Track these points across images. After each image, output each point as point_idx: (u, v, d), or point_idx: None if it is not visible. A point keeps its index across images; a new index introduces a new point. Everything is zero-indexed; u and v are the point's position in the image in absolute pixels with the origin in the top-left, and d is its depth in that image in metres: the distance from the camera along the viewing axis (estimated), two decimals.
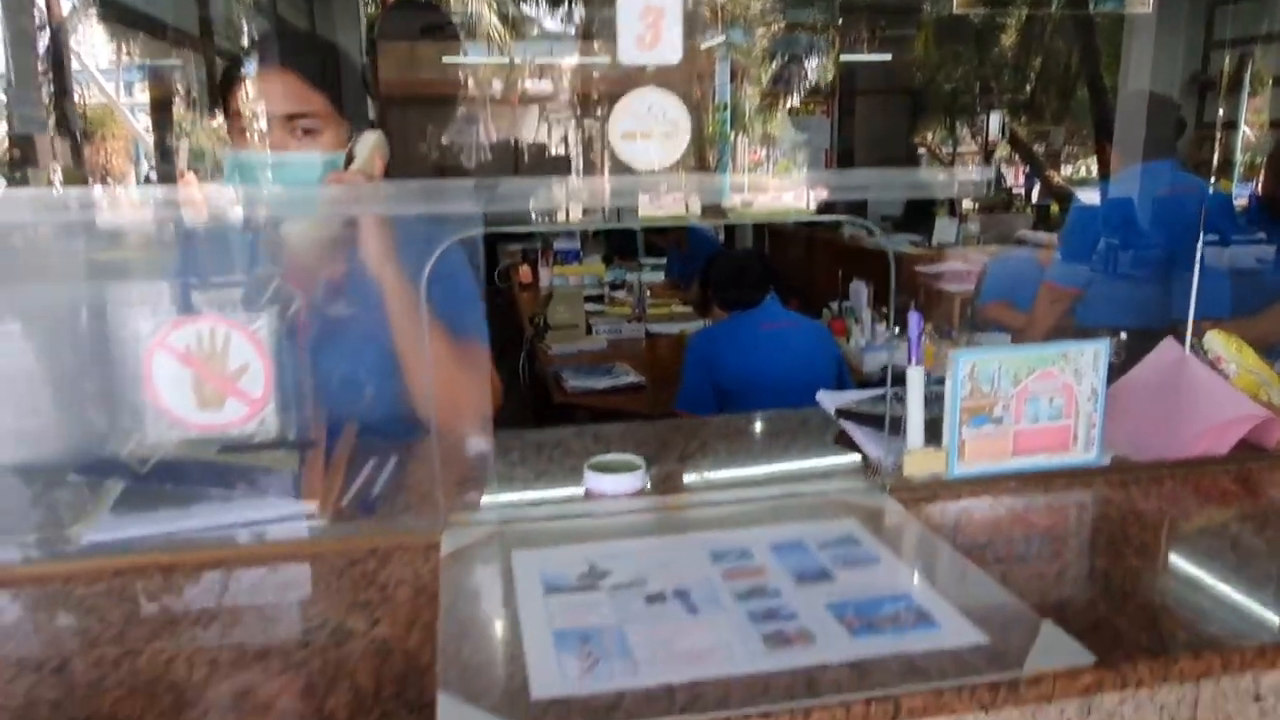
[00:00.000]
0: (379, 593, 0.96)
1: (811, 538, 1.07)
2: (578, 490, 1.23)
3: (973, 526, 1.11)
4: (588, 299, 4.55)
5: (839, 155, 8.08)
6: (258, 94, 1.24)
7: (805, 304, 4.86)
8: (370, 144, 1.29)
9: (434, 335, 1.25)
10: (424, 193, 1.08)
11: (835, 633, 0.86)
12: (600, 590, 0.95)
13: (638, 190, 1.16)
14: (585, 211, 1.30)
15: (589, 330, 4.00)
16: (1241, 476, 1.24)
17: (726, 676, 0.79)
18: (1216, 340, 1.35)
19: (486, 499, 1.18)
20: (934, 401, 1.23)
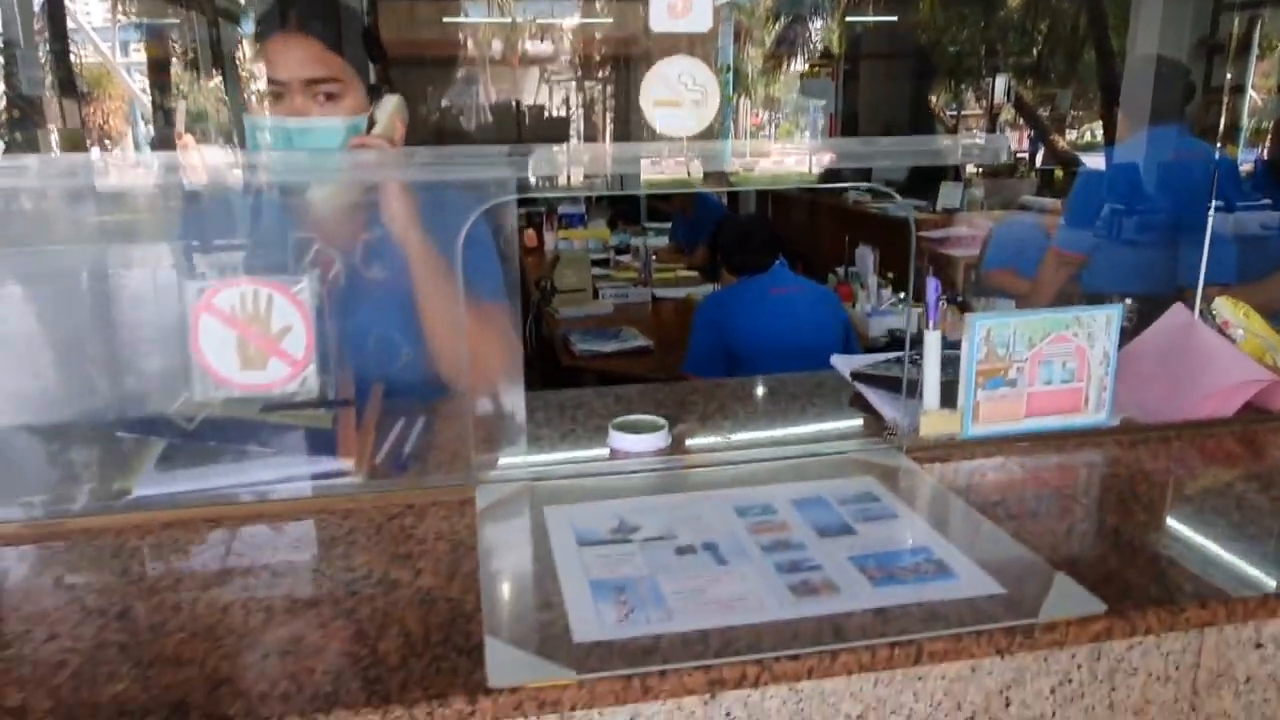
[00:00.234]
0: (419, 545, 1.00)
1: (831, 494, 1.11)
2: (602, 449, 1.27)
3: (987, 485, 1.15)
4: (593, 263, 4.57)
5: (843, 119, 8.04)
6: (278, 58, 1.25)
7: (809, 269, 4.88)
8: (391, 108, 1.31)
9: (456, 295, 1.28)
10: (458, 158, 1.10)
11: (858, 583, 0.91)
12: (632, 543, 0.99)
13: (640, 155, 1.18)
14: (587, 176, 1.32)
15: (596, 294, 4.02)
16: (1247, 438, 1.28)
17: (757, 623, 0.84)
18: (1224, 305, 1.39)
19: (516, 457, 1.22)
20: (946, 365, 1.27)
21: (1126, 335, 1.35)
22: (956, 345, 1.25)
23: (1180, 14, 3.94)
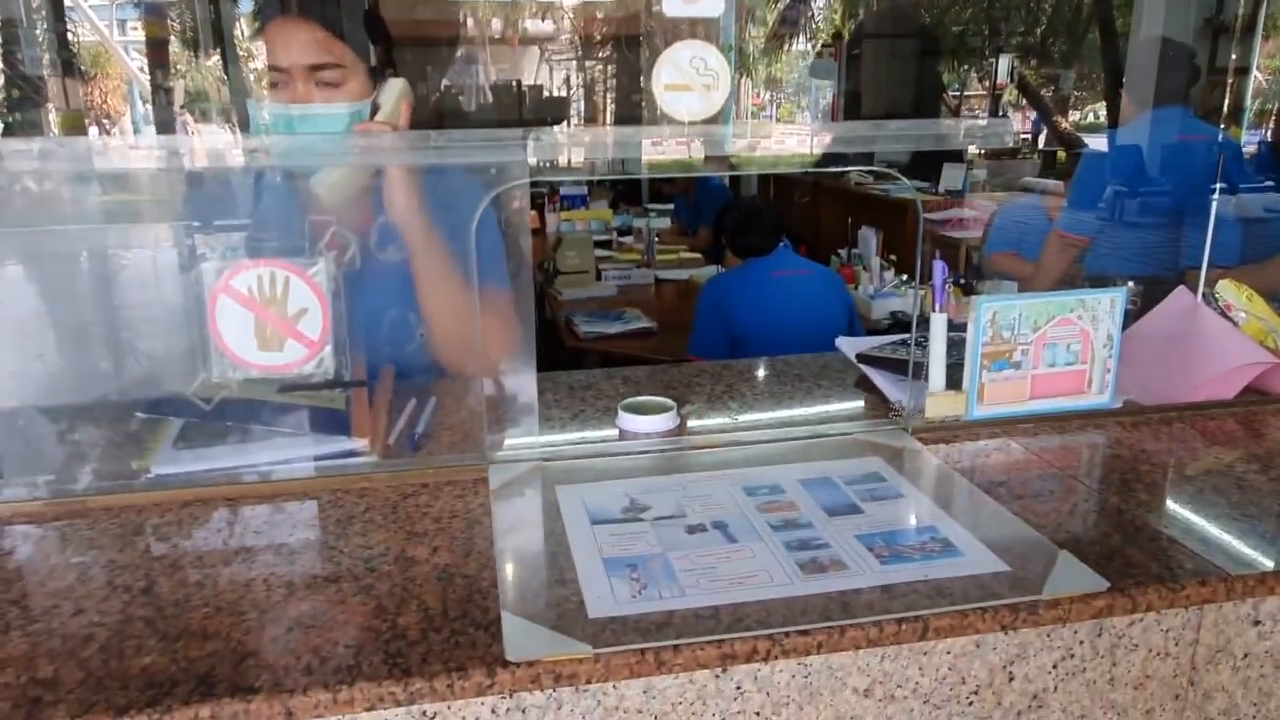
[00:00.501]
0: (434, 524, 1.02)
1: (839, 474, 1.13)
2: (612, 430, 1.29)
3: (991, 465, 1.17)
4: (595, 244, 4.58)
5: (846, 99, 8.01)
6: (278, 44, 1.25)
7: (812, 251, 4.89)
8: (396, 92, 1.31)
9: (459, 278, 1.29)
10: (472, 141, 1.11)
11: (865, 560, 0.92)
12: (643, 521, 1.01)
13: (642, 137, 1.19)
14: (589, 158, 1.33)
15: (599, 276, 4.03)
16: (1247, 419, 1.30)
17: (767, 599, 0.86)
18: (1227, 288, 1.40)
19: (527, 437, 1.23)
20: (951, 347, 1.28)
21: (1130, 318, 1.36)
22: (960, 328, 1.26)
23: None
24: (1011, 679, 0.90)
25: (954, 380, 1.27)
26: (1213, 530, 0.99)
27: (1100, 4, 7.43)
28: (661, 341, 3.23)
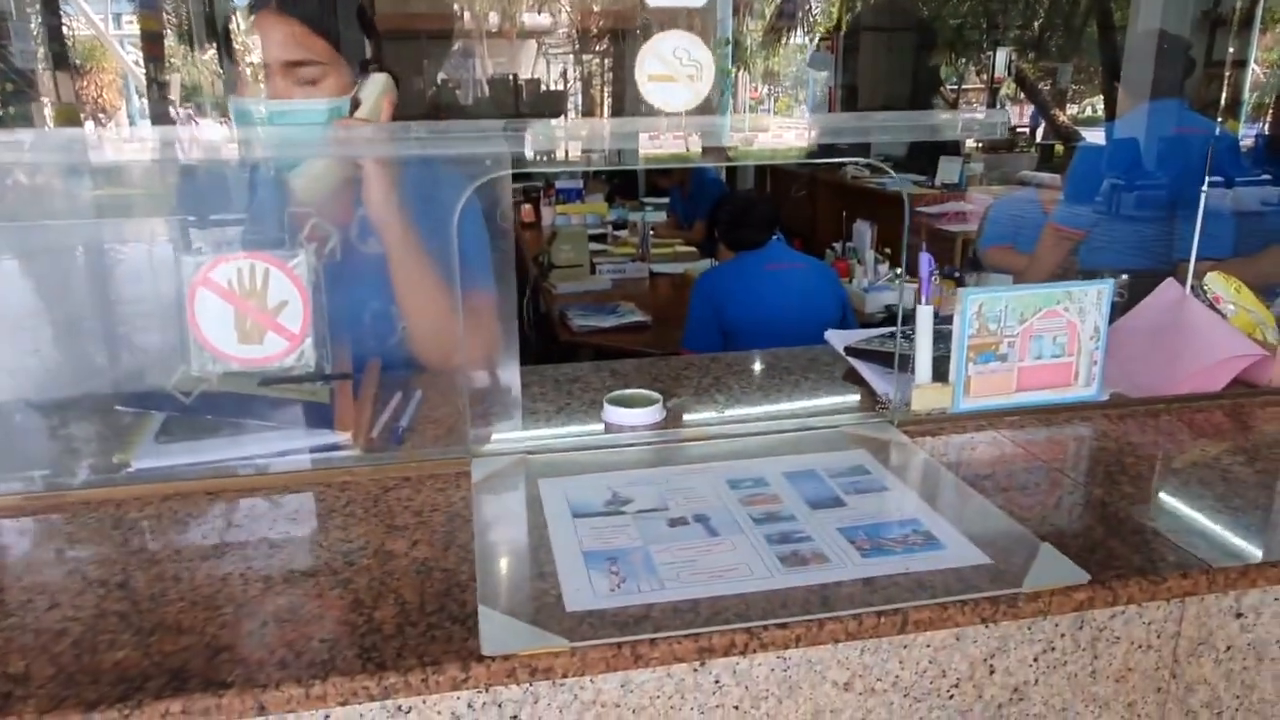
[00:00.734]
0: (415, 517, 1.01)
1: (823, 467, 1.12)
2: (597, 423, 1.28)
3: (976, 458, 1.17)
4: (591, 238, 4.57)
5: (843, 92, 7.99)
6: (258, 40, 1.24)
7: (808, 244, 4.88)
8: (377, 88, 1.30)
9: (436, 275, 1.28)
10: (452, 134, 1.10)
11: (847, 553, 0.92)
12: (625, 515, 1.01)
13: (638, 130, 1.18)
14: (585, 151, 1.32)
15: (593, 270, 4.02)
16: (1234, 412, 1.29)
17: (747, 593, 0.85)
18: (1216, 280, 1.39)
19: (511, 431, 1.23)
20: (939, 340, 1.28)
21: (1118, 311, 1.36)
22: (948, 320, 1.26)
23: None
24: (992, 672, 0.89)
25: (941, 373, 1.27)
26: (1196, 522, 0.98)
27: None
28: (656, 335, 3.22)
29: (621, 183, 6.41)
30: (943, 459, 1.15)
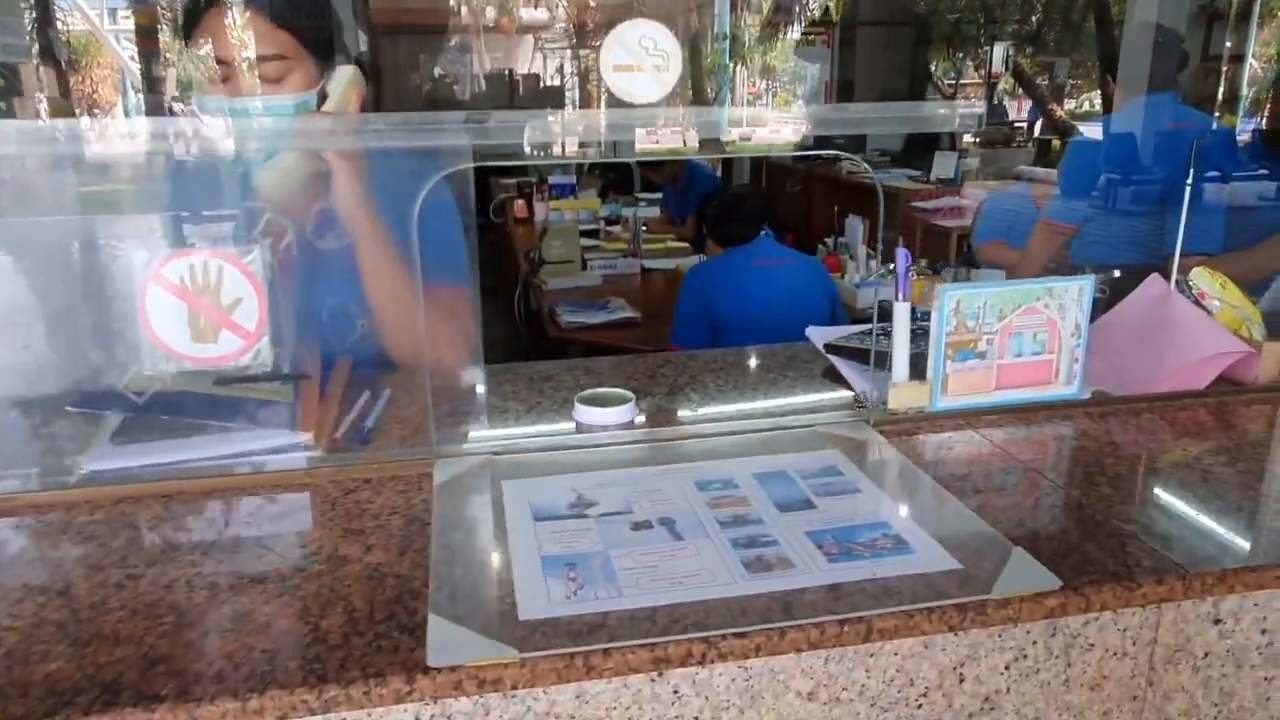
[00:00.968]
0: (372, 520, 0.99)
1: (794, 468, 1.09)
2: (568, 423, 1.25)
3: (953, 458, 1.14)
4: (583, 234, 4.54)
5: (839, 88, 7.95)
6: (219, 35, 1.21)
7: (803, 239, 4.85)
8: (344, 80, 1.27)
9: (405, 271, 1.25)
10: (412, 126, 1.07)
11: (813, 558, 0.89)
12: (588, 518, 0.98)
13: (634, 124, 1.16)
14: (581, 145, 1.29)
15: (584, 265, 3.99)
16: (1218, 410, 1.27)
17: (707, 600, 0.83)
18: (1202, 276, 1.37)
19: (478, 431, 1.20)
20: (921, 336, 1.25)
21: (1100, 307, 1.33)
22: (928, 317, 1.23)
23: None
24: (962, 680, 0.87)
25: (919, 370, 1.24)
26: (1175, 526, 0.96)
27: None
28: (646, 331, 3.19)
29: (616, 178, 6.38)
30: (918, 459, 1.12)
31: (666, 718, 0.81)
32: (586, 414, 1.25)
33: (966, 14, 10.08)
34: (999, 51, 9.95)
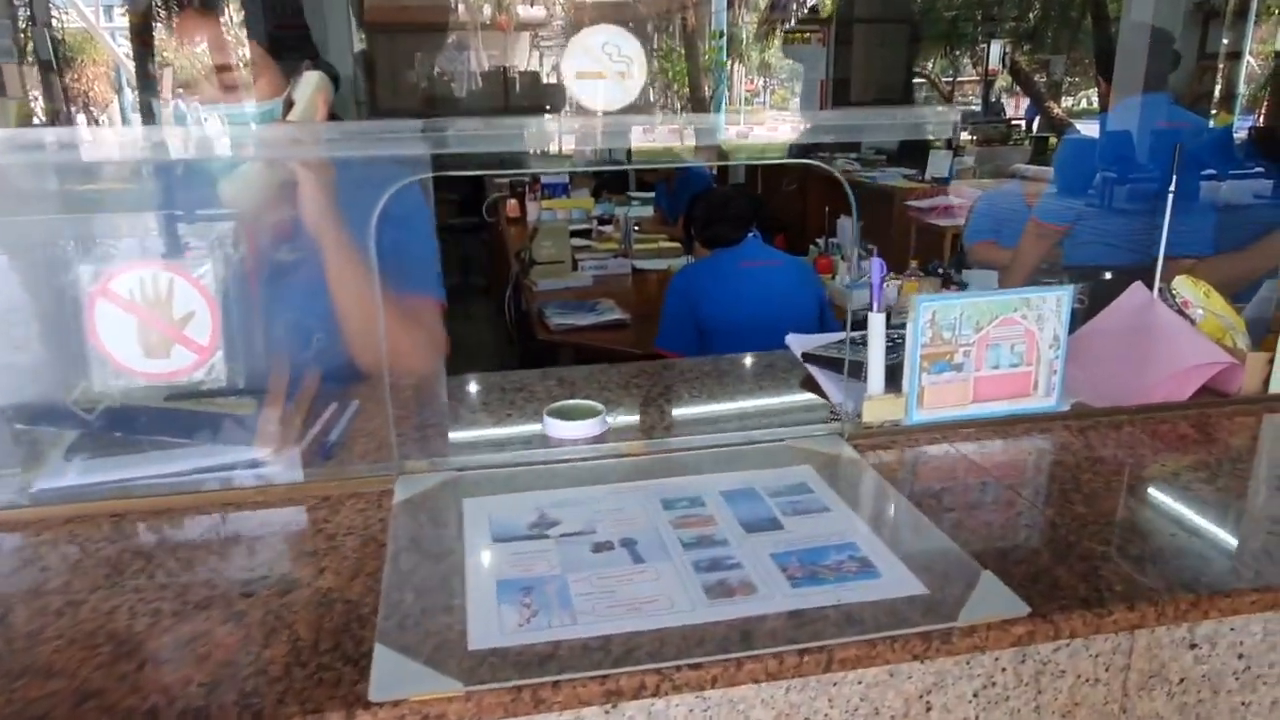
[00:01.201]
0: (327, 541, 0.96)
1: (764, 485, 1.07)
2: (538, 435, 1.23)
3: (927, 474, 1.11)
4: (576, 234, 4.51)
5: (834, 86, 7.91)
6: (180, 41, 1.18)
7: (798, 240, 4.81)
8: (311, 87, 1.24)
9: (372, 283, 1.23)
10: (367, 134, 1.04)
11: (776, 582, 0.87)
12: (549, 539, 0.95)
13: (631, 124, 1.13)
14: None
15: (575, 266, 3.96)
16: (1200, 422, 1.24)
17: (663, 628, 0.80)
18: (1184, 284, 1.34)
19: (444, 445, 1.18)
20: (901, 347, 1.22)
21: (1078, 317, 1.30)
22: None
23: None
24: (929, 709, 0.84)
25: (896, 382, 1.21)
26: (1150, 547, 0.93)
27: None
28: (635, 333, 3.16)
29: (610, 177, 6.34)
30: (891, 475, 1.10)
31: None
32: (555, 427, 1.22)
33: (964, 11, 10.05)
34: (996, 49, 9.92)
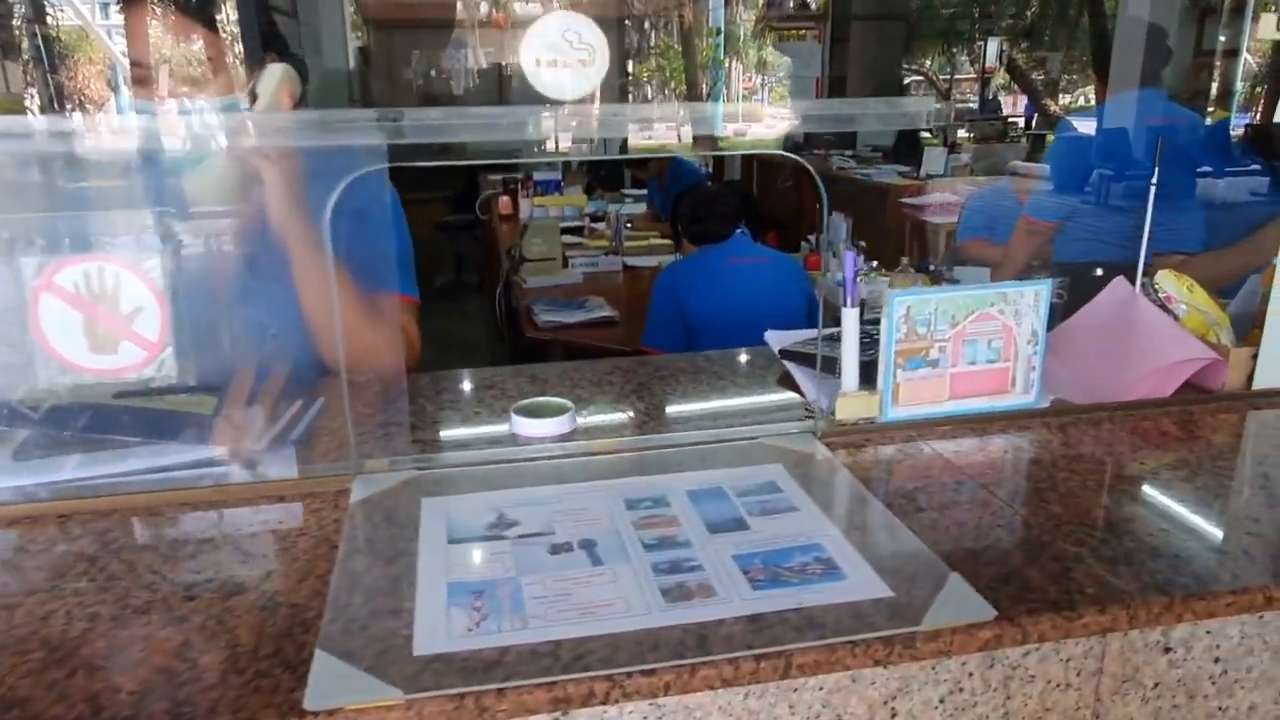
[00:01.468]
0: (279, 543, 0.93)
1: (732, 484, 1.04)
2: (505, 434, 1.20)
3: (901, 472, 1.08)
4: (568, 231, 4.48)
5: (830, 84, 7.88)
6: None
7: (792, 236, 4.78)
8: (275, 79, 1.21)
9: (338, 281, 1.20)
10: (325, 124, 1.01)
11: (737, 585, 0.84)
12: (505, 540, 0.93)
13: (626, 120, 1.11)
14: (575, 141, 1.23)
15: (565, 263, 3.93)
16: (1183, 419, 1.21)
17: (618, 632, 0.77)
18: (1168, 279, 1.31)
19: (407, 444, 1.15)
20: (877, 343, 1.19)
21: (1057, 312, 1.28)
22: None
23: None
24: (894, 715, 0.81)
25: (871, 379, 1.18)
26: (1124, 547, 0.90)
27: None
28: (624, 330, 3.13)
29: (604, 174, 6.31)
30: (863, 474, 1.07)
31: None
32: (522, 425, 1.20)
33: (961, 8, 10.02)
34: (993, 46, 9.89)
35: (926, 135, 7.43)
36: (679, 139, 1.24)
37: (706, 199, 2.79)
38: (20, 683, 0.71)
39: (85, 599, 0.83)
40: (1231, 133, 3.44)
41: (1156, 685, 0.86)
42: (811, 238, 3.88)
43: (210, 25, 1.19)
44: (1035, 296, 1.15)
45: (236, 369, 1.18)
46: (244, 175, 1.21)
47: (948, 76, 11.10)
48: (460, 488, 1.05)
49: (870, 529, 0.95)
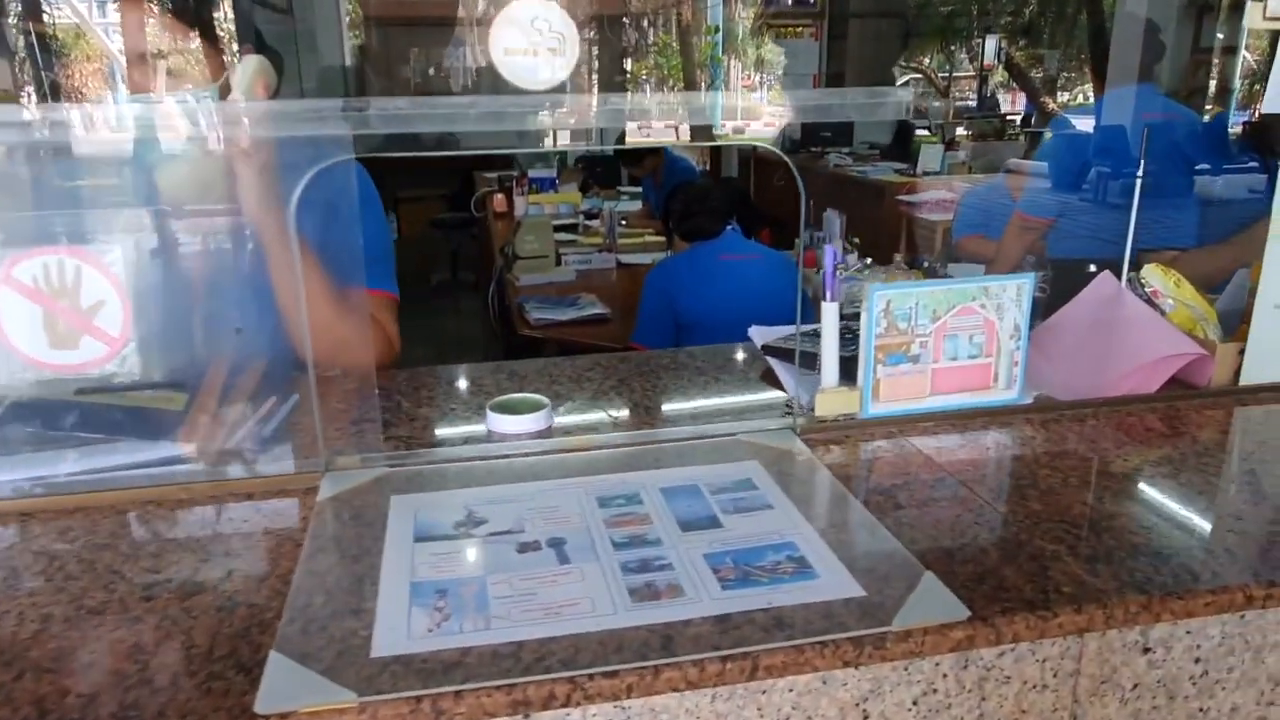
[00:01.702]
0: (243, 542, 0.92)
1: (707, 482, 1.02)
2: (479, 431, 1.18)
3: (879, 469, 1.07)
4: (562, 228, 4.46)
5: (828, 80, 7.86)
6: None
7: (789, 232, 4.76)
8: (250, 70, 1.19)
9: (308, 274, 1.18)
10: (290, 114, 0.99)
11: (706, 585, 0.82)
12: (473, 539, 0.91)
13: (624, 114, 1.09)
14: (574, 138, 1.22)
15: (558, 261, 3.91)
16: (1168, 415, 1.19)
17: (581, 633, 0.75)
18: (1154, 274, 1.29)
19: (379, 441, 1.13)
20: (852, 338, 1.17)
21: (1041, 307, 1.26)
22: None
23: None
24: (866, 717, 0.79)
25: (852, 375, 1.16)
26: (1104, 546, 0.88)
27: None
28: (617, 328, 3.11)
29: (600, 171, 6.29)
30: (841, 471, 1.05)
31: None
32: (498, 422, 1.18)
33: (959, 6, 9.99)
34: (992, 44, 9.86)
35: (924, 132, 7.42)
36: (677, 137, 1.22)
37: (698, 195, 2.78)
38: None
39: (40, 599, 0.81)
40: (1230, 130, 3.42)
41: (1135, 686, 0.84)
42: (806, 234, 3.86)
43: (183, 17, 1.17)
44: (1018, 291, 1.13)
45: (209, 365, 1.16)
46: (217, 168, 1.20)
47: (946, 74, 11.06)
48: (432, 485, 1.03)
49: (846, 527, 0.93)
